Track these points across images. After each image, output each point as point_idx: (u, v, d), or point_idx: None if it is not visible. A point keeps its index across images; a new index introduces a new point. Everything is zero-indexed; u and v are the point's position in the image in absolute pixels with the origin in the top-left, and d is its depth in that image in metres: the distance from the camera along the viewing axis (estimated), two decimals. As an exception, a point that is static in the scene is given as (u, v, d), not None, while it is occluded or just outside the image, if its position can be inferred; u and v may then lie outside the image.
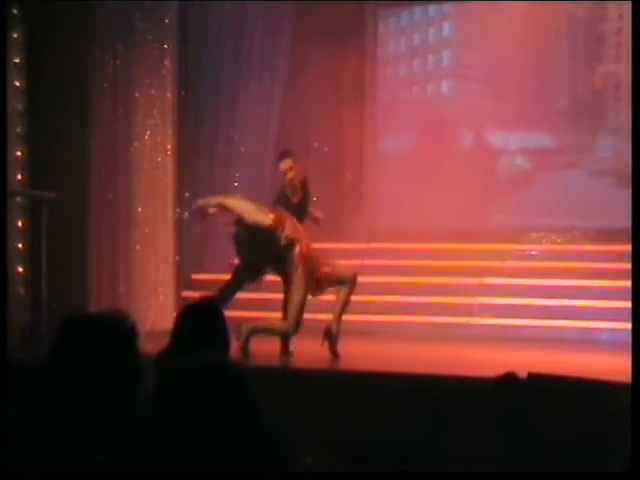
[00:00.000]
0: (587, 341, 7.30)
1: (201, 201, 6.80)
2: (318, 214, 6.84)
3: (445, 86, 9.72)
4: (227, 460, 1.57)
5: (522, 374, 3.39)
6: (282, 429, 2.26)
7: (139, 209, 8.30)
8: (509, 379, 3.20)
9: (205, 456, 1.57)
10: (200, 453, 1.58)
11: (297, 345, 6.84)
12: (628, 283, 7.47)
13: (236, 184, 9.23)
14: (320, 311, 6.63)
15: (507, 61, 9.15)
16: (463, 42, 9.59)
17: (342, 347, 6.67)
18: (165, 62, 8.44)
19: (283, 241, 6.35)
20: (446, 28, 9.69)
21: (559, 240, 8.76)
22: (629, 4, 6.00)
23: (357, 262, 8.28)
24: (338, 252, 8.96)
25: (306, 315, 6.35)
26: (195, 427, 1.59)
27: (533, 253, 8.58)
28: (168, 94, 8.47)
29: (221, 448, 1.58)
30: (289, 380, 5.59)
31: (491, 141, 9.48)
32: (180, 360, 1.74)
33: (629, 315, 7.26)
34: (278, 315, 6.57)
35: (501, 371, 5.16)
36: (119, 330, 1.92)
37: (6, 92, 7.00)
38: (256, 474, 1.56)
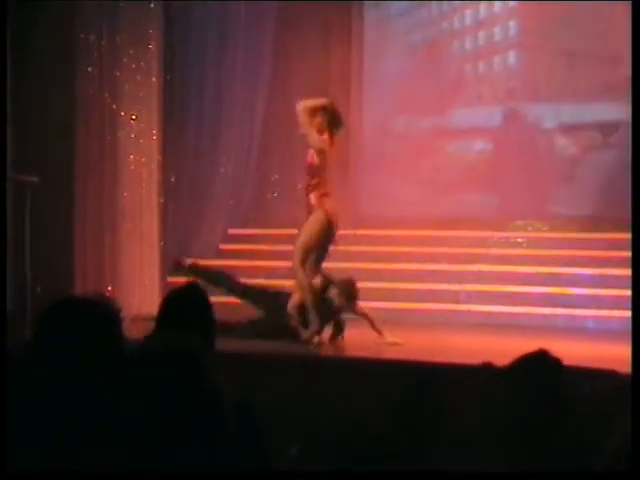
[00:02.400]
0: (573, 329, 7.33)
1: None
2: None
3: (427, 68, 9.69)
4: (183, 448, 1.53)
5: (507, 362, 3.38)
6: (264, 420, 2.25)
7: (124, 194, 8.26)
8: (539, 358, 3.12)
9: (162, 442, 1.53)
10: (157, 439, 1.54)
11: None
12: (614, 271, 7.53)
13: (222, 170, 9.21)
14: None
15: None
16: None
17: (327, 334, 6.67)
18: (150, 46, 8.37)
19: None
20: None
21: (545, 228, 8.78)
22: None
23: (342, 248, 8.28)
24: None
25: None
26: (152, 412, 1.56)
27: (519, 240, 8.59)
28: (153, 79, 8.41)
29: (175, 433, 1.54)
30: (272, 367, 5.58)
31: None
32: (147, 343, 1.71)
33: (615, 303, 7.33)
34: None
35: (488, 358, 5.16)
36: (102, 314, 1.90)
37: (6, 89, 6.91)
38: (256, 474, 1.54)
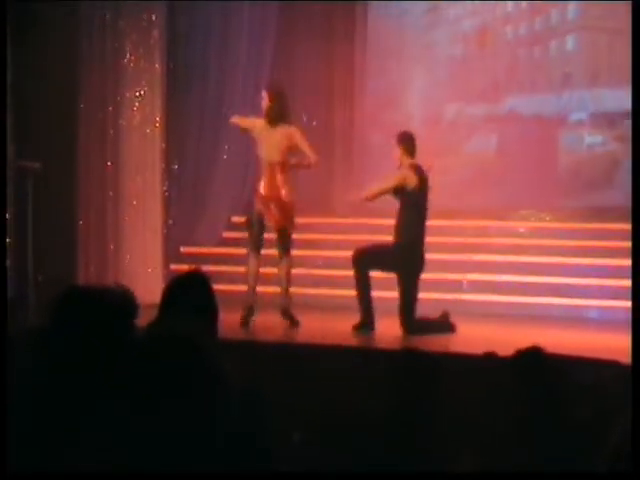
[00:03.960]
0: (575, 319, 7.32)
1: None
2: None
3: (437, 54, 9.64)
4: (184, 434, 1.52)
5: (510, 351, 3.38)
6: (266, 407, 2.24)
7: (127, 181, 8.25)
8: (533, 353, 3.12)
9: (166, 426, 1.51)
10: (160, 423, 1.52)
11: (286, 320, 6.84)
12: (617, 261, 7.51)
13: (225, 157, 9.19)
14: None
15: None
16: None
17: (329, 322, 6.68)
18: (153, 33, 8.35)
19: None
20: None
21: (548, 218, 8.76)
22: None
23: (345, 237, 8.27)
24: (326, 227, 8.96)
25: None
26: (152, 398, 1.54)
27: (521, 230, 8.58)
28: (156, 65, 8.39)
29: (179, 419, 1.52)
30: (275, 355, 5.59)
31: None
32: (150, 330, 1.70)
33: (617, 293, 7.31)
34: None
35: (491, 348, 5.16)
36: (121, 305, 1.89)
37: (6, 84, 6.89)
38: (256, 474, 1.53)
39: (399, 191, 6.41)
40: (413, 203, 6.42)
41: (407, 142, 6.53)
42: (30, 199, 6.78)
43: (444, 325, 6.54)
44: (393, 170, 6.60)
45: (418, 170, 6.45)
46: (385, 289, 6.73)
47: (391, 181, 6.45)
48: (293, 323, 6.62)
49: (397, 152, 6.51)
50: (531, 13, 9.27)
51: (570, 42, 9.17)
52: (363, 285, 6.46)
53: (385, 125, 9.38)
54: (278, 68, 9.32)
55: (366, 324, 6.45)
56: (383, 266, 6.55)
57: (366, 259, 6.49)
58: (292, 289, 6.84)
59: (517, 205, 8.93)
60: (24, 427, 1.79)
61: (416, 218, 6.45)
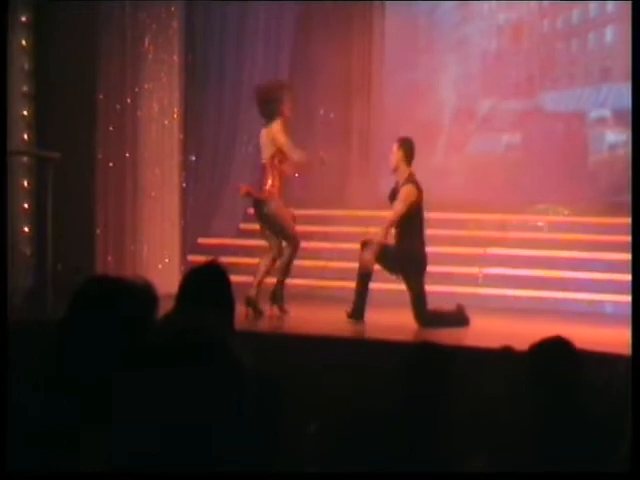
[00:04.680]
0: (591, 313, 7.30)
1: None
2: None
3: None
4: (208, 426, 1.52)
5: (525, 346, 3.38)
6: (282, 398, 2.25)
7: (145, 172, 8.29)
8: (554, 344, 3.12)
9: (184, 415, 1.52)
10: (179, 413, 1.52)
11: (303, 312, 6.87)
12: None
13: (243, 149, 9.21)
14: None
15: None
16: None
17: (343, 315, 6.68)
18: (172, 24, 8.37)
19: None
20: None
21: (566, 212, 8.72)
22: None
23: (362, 229, 8.27)
24: (343, 219, 8.96)
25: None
26: (171, 391, 1.54)
27: (539, 224, 8.55)
28: (175, 57, 8.42)
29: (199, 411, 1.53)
30: (293, 347, 5.61)
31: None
32: (166, 321, 1.71)
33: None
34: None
35: (505, 341, 5.16)
36: (142, 297, 1.91)
37: (6, 83, 6.91)
38: (255, 474, 1.53)
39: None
40: (414, 214, 6.52)
41: (408, 148, 6.59)
42: (49, 189, 6.81)
43: (458, 318, 6.56)
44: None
45: (416, 182, 6.55)
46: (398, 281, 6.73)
47: (404, 205, 6.48)
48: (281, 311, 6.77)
49: (396, 156, 6.55)
50: (568, 6, 9.12)
51: (609, 34, 9.01)
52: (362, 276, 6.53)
53: (405, 119, 9.38)
54: (296, 62, 9.33)
55: (356, 312, 6.52)
56: (386, 265, 6.58)
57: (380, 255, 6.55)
58: (309, 282, 6.89)
59: (537, 199, 8.90)
60: (38, 419, 1.81)
61: (416, 226, 6.54)
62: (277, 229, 6.85)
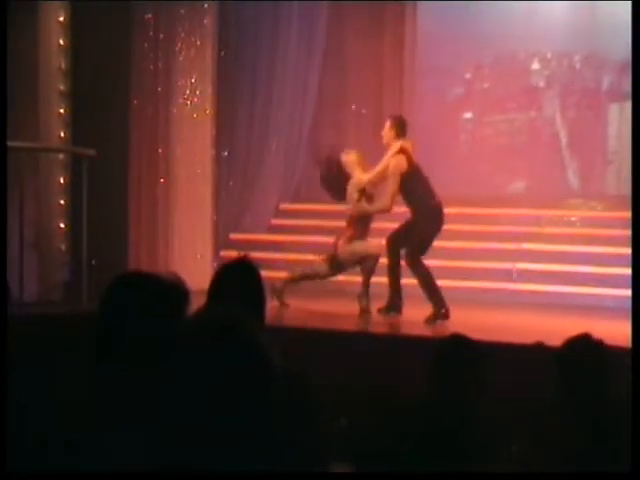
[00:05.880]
0: (624, 309, 7.23)
1: None
2: None
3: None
4: (235, 421, 1.52)
5: (559, 342, 3.37)
6: (314, 392, 2.26)
7: (178, 168, 8.34)
8: (583, 340, 3.11)
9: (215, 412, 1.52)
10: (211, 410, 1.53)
11: (334, 306, 6.88)
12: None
13: (274, 145, 9.23)
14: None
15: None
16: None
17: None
18: (205, 21, 8.41)
19: None
20: None
21: (599, 207, 8.65)
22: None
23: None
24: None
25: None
26: (202, 387, 1.55)
27: (573, 219, 8.49)
28: (208, 53, 8.45)
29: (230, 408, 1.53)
30: (324, 342, 5.62)
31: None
32: (197, 317, 1.72)
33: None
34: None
35: (539, 337, 5.14)
36: (174, 293, 1.93)
37: (6, 83, 6.98)
38: (256, 474, 1.53)
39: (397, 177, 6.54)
40: (414, 180, 6.56)
41: (399, 125, 6.69)
42: (85, 186, 6.89)
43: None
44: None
45: (406, 152, 6.61)
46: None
47: (395, 177, 6.54)
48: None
49: (387, 133, 6.66)
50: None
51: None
52: (394, 266, 6.55)
53: (437, 115, 9.35)
54: (328, 58, 9.33)
55: (393, 305, 6.52)
56: (411, 239, 6.61)
57: (396, 239, 6.62)
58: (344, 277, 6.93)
59: (569, 193, 8.84)
60: (67, 410, 1.83)
61: (422, 187, 6.59)
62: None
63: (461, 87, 9.56)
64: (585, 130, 9.04)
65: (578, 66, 9.28)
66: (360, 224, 6.74)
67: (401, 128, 6.67)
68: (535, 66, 9.38)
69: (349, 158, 6.85)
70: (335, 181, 6.90)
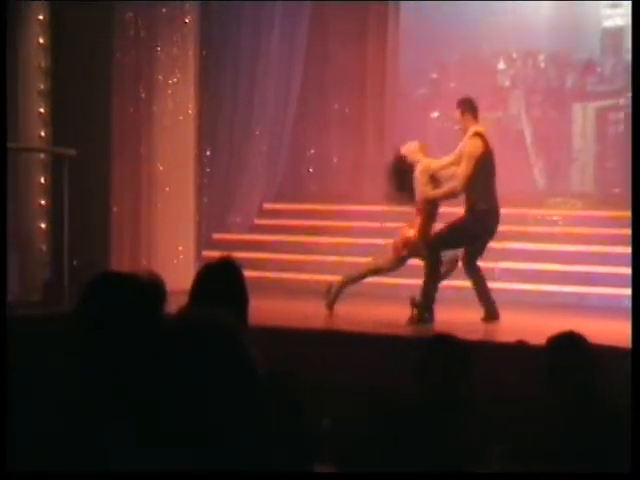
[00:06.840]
0: (609, 307, 7.26)
1: None
2: None
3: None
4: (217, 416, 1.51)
5: (541, 340, 3.37)
6: (297, 393, 2.25)
7: (160, 168, 8.31)
8: (567, 338, 3.11)
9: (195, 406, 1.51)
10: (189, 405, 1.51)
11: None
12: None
13: (257, 145, 9.22)
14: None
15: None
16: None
17: (363, 309, 6.68)
18: (186, 20, 8.38)
19: None
20: None
21: (579, 205, 8.69)
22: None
23: (377, 224, 8.27)
24: (358, 214, 8.96)
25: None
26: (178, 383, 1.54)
27: (555, 219, 8.51)
28: (190, 53, 8.43)
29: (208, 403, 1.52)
30: (312, 341, 5.61)
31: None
32: (179, 316, 1.71)
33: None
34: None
35: (521, 336, 5.15)
36: (151, 291, 1.92)
37: (5, 82, 6.93)
38: (255, 474, 1.52)
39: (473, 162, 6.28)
40: (486, 169, 6.33)
41: (473, 109, 6.43)
42: (65, 185, 6.85)
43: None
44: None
45: (483, 136, 6.38)
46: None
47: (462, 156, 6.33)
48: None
49: (463, 119, 6.40)
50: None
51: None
52: (434, 270, 6.39)
53: (420, 114, 9.36)
54: (311, 57, 9.32)
55: (424, 317, 6.34)
56: (459, 241, 6.46)
57: (440, 241, 6.42)
58: (324, 277, 6.88)
59: (549, 192, 8.87)
60: (49, 412, 1.82)
61: (489, 183, 6.37)
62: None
63: (429, 86, 9.57)
64: (550, 129, 9.09)
65: (543, 65, 9.34)
66: (427, 211, 6.40)
67: (474, 110, 6.40)
68: (501, 66, 9.44)
69: (411, 147, 6.51)
70: (406, 178, 6.47)
